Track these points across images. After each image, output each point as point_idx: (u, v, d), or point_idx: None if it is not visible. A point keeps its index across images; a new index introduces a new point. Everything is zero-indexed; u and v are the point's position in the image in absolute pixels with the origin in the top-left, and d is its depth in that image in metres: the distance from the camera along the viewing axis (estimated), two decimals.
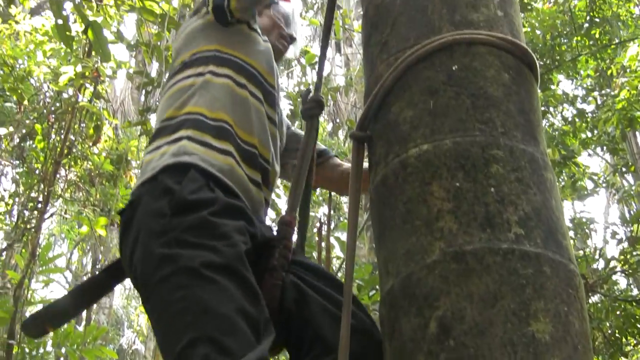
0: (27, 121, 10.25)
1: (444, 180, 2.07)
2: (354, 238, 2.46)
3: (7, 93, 9.88)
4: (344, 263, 2.43)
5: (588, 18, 10.83)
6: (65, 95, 8.78)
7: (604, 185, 12.84)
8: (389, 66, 2.39)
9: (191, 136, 2.57)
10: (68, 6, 5.38)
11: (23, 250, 9.72)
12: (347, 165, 3.22)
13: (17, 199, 11.12)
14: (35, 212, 9.07)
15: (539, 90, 2.50)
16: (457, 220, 2.00)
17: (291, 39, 3.29)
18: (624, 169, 11.79)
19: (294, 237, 2.68)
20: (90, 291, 2.73)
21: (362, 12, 2.85)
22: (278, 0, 3.36)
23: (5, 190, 11.96)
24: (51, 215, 11.82)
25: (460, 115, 2.16)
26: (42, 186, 8.75)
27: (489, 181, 2.05)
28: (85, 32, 4.63)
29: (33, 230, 8.81)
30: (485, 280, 1.90)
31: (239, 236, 2.34)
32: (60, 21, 4.40)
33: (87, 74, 7.44)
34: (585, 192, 11.72)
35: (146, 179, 2.51)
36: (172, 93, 2.75)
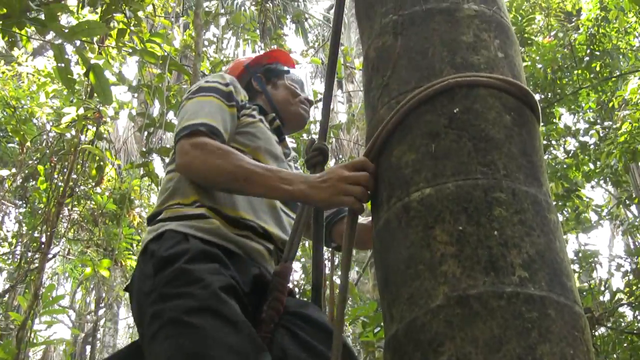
0: (30, 162, 10.27)
1: (446, 224, 2.06)
2: (346, 283, 2.44)
3: (10, 134, 9.92)
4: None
5: (588, 51, 10.87)
6: (67, 136, 8.81)
7: (607, 217, 12.79)
8: (390, 109, 2.38)
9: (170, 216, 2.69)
10: (70, 48, 5.42)
11: (26, 291, 9.70)
12: (363, 221, 3.09)
13: (20, 240, 11.11)
14: (38, 254, 9.04)
15: (541, 124, 2.50)
16: (460, 264, 1.99)
17: (309, 102, 3.36)
18: (627, 201, 11.77)
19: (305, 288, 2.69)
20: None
21: (360, 42, 2.87)
22: (289, 68, 3.42)
23: (8, 231, 11.96)
24: (54, 255, 11.78)
25: (462, 158, 2.16)
26: (45, 227, 8.74)
27: (492, 224, 2.03)
28: (87, 74, 4.65)
29: (36, 271, 8.78)
30: (490, 325, 1.88)
31: (211, 276, 2.38)
32: (62, 64, 4.42)
33: (89, 115, 7.48)
34: (590, 225, 11.68)
35: (139, 254, 2.66)
36: (162, 184, 2.87)
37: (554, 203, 2.33)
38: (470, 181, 2.11)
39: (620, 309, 9.69)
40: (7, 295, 11.08)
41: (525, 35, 11.19)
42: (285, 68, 3.43)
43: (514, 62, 2.49)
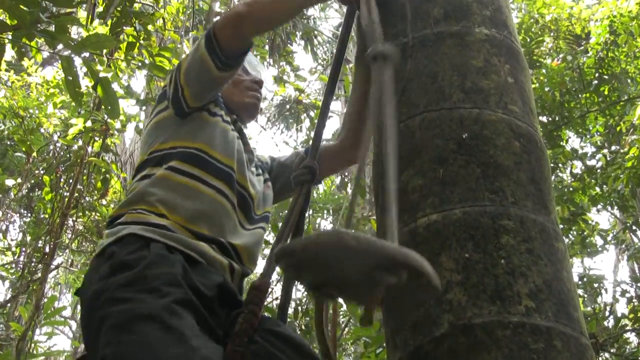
0: (36, 172, 10.28)
1: (453, 251, 2.04)
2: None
3: (17, 144, 9.94)
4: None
5: (597, 75, 10.85)
6: (74, 148, 8.82)
7: (613, 242, 12.75)
8: (398, 133, 2.37)
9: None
10: (78, 61, 5.43)
11: (28, 301, 9.68)
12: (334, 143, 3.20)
13: (23, 249, 11.10)
14: (41, 264, 9.03)
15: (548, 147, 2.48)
16: (466, 292, 1.97)
17: (258, 84, 3.14)
18: (634, 227, 11.73)
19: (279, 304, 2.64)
20: None
21: None
22: None
23: (12, 240, 11.95)
24: (57, 267, 11.77)
25: (470, 184, 2.14)
26: (48, 237, 8.73)
27: (499, 252, 2.01)
28: (95, 88, 4.65)
29: (38, 281, 8.77)
30: (494, 355, 1.86)
31: (168, 287, 2.28)
32: (70, 77, 4.42)
33: (96, 127, 7.48)
34: (595, 249, 11.64)
35: (94, 256, 2.55)
36: (130, 187, 2.77)
37: (560, 226, 2.30)
38: (477, 208, 2.09)
39: (625, 335, 9.64)
40: (8, 305, 11.06)
41: (534, 57, 11.19)
42: None
43: (524, 88, 2.47)
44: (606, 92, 10.82)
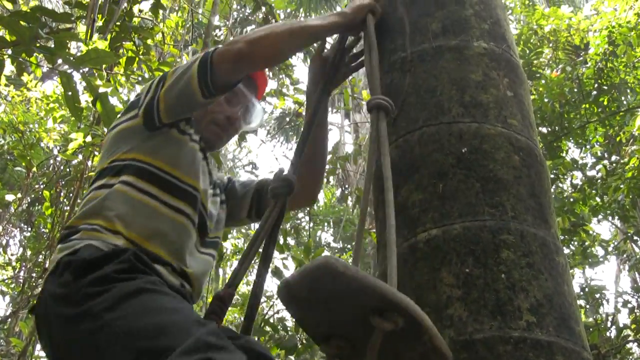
0: (36, 186, 10.28)
1: (453, 266, 2.03)
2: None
3: (17, 158, 9.94)
4: None
5: (596, 85, 10.85)
6: (74, 162, 8.81)
7: (614, 252, 12.73)
8: (397, 148, 2.37)
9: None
10: (78, 75, 5.44)
11: (28, 315, 9.65)
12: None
13: (24, 264, 11.09)
14: (42, 279, 9.01)
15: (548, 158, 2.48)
16: (467, 307, 1.96)
17: (230, 120, 2.98)
18: (635, 237, 11.71)
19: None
20: None
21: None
22: None
23: (12, 255, 11.94)
24: None
25: (469, 199, 2.14)
26: (49, 252, 8.72)
27: (499, 267, 2.01)
28: (94, 103, 4.65)
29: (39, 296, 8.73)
30: None
31: (144, 276, 2.25)
32: (69, 92, 4.41)
33: (96, 141, 7.47)
34: (596, 260, 11.62)
35: (47, 275, 2.42)
36: (85, 201, 2.62)
37: (561, 237, 2.30)
38: (477, 222, 2.09)
39: (627, 346, 9.62)
40: (9, 320, 11.04)
41: (533, 68, 11.20)
42: None
43: (523, 101, 2.47)
44: (605, 103, 10.82)
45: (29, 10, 4.85)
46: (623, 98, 11.64)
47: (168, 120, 2.70)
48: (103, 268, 2.22)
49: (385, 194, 2.06)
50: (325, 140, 3.05)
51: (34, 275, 9.92)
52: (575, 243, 10.96)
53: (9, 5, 7.44)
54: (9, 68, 7.42)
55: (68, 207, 8.75)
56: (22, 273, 11.20)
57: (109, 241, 2.43)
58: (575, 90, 10.74)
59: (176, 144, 2.73)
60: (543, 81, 10.80)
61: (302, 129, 2.92)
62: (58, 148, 10.45)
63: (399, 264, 2.17)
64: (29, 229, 10.97)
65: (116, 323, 2.07)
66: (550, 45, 12.00)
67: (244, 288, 13.77)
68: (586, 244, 11.08)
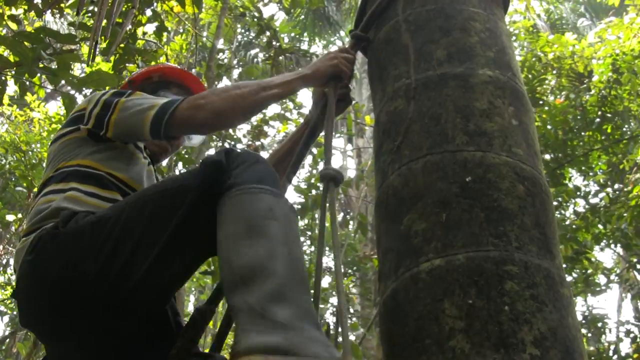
0: None
1: (456, 297, 1.99)
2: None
3: (19, 179, 9.93)
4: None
5: (600, 113, 10.85)
6: None
7: (616, 280, 12.68)
8: (400, 176, 2.34)
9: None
10: (81, 97, 5.43)
11: (27, 335, 9.60)
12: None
13: None
14: None
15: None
16: (469, 339, 1.92)
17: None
18: (638, 265, 11.65)
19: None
20: None
21: (372, 105, 2.84)
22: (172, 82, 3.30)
23: (12, 274, 11.89)
24: None
25: (473, 229, 2.10)
26: None
27: (503, 299, 1.97)
28: None
29: None
30: None
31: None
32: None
33: None
34: (598, 288, 11.57)
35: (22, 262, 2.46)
36: (36, 210, 2.62)
37: (563, 265, 2.26)
38: (481, 253, 2.05)
39: None
40: (7, 341, 10.98)
41: (537, 95, 11.19)
42: (163, 82, 3.27)
43: (528, 130, 2.45)
44: (609, 131, 10.81)
45: (33, 31, 4.86)
46: (627, 126, 11.62)
47: (113, 139, 2.76)
48: (78, 222, 2.36)
49: (334, 262, 2.05)
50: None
51: None
52: (578, 271, 10.91)
53: (14, 26, 7.46)
54: (13, 88, 7.43)
55: None
56: None
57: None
58: (579, 117, 10.74)
59: (126, 156, 2.81)
60: (546, 108, 10.80)
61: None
62: None
63: (400, 294, 2.14)
64: None
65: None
66: (554, 72, 12.00)
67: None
68: (589, 272, 11.03)
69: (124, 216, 2.30)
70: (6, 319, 13.01)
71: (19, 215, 10.17)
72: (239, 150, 2.32)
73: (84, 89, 4.56)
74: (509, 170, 2.25)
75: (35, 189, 9.99)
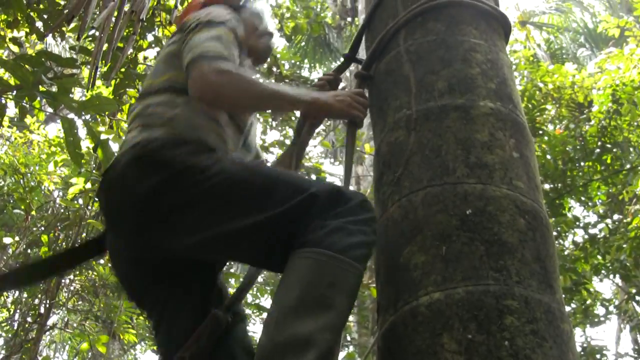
0: (35, 229, 10.23)
1: (455, 331, 1.97)
2: None
3: (17, 201, 9.92)
4: None
5: (600, 143, 10.84)
6: (74, 204, 8.80)
7: (615, 312, 12.60)
8: (400, 208, 2.32)
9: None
10: (80, 123, 5.43)
11: (22, 358, 9.54)
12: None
13: (18, 308, 10.98)
14: (37, 324, 8.92)
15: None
16: None
17: (270, 35, 3.24)
18: (637, 297, 11.59)
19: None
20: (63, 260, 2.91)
21: (373, 135, 2.84)
22: (245, 3, 3.30)
23: (7, 297, 11.83)
24: (51, 327, 11.63)
25: (473, 262, 2.08)
26: (44, 297, 8.65)
27: (502, 334, 1.95)
28: (95, 150, 4.63)
29: (32, 341, 8.65)
30: None
31: None
32: (71, 138, 4.40)
33: (96, 186, 7.44)
34: (597, 319, 11.50)
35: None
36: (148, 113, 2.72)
37: (562, 296, 2.24)
38: (481, 287, 2.03)
39: None
40: None
41: (537, 125, 11.19)
42: (242, 2, 3.29)
43: (529, 162, 2.43)
44: (609, 161, 10.79)
45: (34, 54, 4.86)
46: (626, 157, 11.61)
47: None
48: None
49: None
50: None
51: (28, 319, 9.81)
52: (577, 302, 10.85)
53: (16, 48, 7.48)
54: (13, 110, 7.44)
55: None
56: (16, 316, 11.09)
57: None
58: (579, 147, 10.72)
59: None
60: (546, 138, 10.79)
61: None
62: (58, 192, 10.42)
63: (399, 328, 2.12)
64: None
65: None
66: (554, 102, 12.01)
67: None
68: (587, 302, 10.98)
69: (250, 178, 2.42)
70: (1, 341, 12.96)
71: (16, 238, 10.13)
72: (355, 199, 2.32)
73: (83, 113, 4.56)
74: (509, 203, 2.23)
75: (33, 212, 10.00)
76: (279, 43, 15.31)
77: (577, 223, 10.91)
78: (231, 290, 2.82)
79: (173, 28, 7.58)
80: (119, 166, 2.53)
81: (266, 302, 14.02)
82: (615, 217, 11.28)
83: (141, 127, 2.63)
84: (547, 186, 10.40)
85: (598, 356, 10.38)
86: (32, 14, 6.31)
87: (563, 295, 2.28)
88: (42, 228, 9.99)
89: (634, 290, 11.75)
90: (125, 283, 2.74)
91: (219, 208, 2.36)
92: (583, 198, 10.90)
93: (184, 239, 2.37)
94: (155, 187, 2.41)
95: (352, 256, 2.14)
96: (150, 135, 2.56)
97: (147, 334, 13.30)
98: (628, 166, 11.07)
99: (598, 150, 10.77)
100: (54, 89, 4.69)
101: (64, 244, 9.30)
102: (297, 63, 18.24)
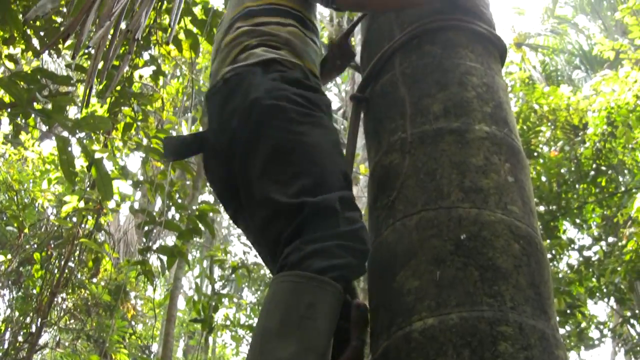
0: (27, 246, 10.19)
1: (449, 358, 1.95)
2: None
3: (9, 218, 9.89)
4: None
5: (594, 166, 10.86)
6: (67, 223, 8.76)
7: (610, 335, 12.57)
8: (394, 232, 2.30)
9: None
10: (74, 141, 5.42)
11: None
12: None
13: (9, 326, 10.91)
14: (28, 343, 8.86)
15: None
16: None
17: None
18: (632, 320, 11.57)
19: None
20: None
21: (367, 157, 2.83)
22: None
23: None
24: (42, 347, 11.55)
25: (467, 288, 2.06)
26: (35, 316, 8.60)
27: None
28: (89, 169, 4.62)
29: None
30: None
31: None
32: (65, 157, 4.38)
33: (90, 205, 7.43)
34: (592, 342, 11.47)
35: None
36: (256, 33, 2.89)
37: (556, 319, 2.22)
38: (475, 313, 2.01)
39: None
40: None
41: (532, 147, 11.21)
42: None
43: (524, 187, 2.42)
44: (603, 184, 10.81)
45: (29, 72, 4.85)
46: (621, 179, 11.64)
47: None
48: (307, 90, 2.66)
49: None
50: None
51: (19, 338, 9.75)
52: (571, 324, 10.82)
53: (11, 65, 7.47)
54: (7, 126, 7.42)
55: (57, 270, 8.65)
56: (7, 335, 11.02)
57: (288, 57, 2.80)
58: (574, 170, 10.74)
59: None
60: (541, 160, 10.81)
61: None
62: (52, 209, 10.40)
63: (392, 354, 2.09)
64: (18, 290, 10.81)
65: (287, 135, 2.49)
66: (549, 124, 12.03)
67: None
68: (582, 325, 10.95)
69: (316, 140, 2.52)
70: None
71: (9, 256, 10.08)
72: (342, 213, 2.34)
73: (77, 131, 4.54)
74: (504, 228, 2.21)
75: (26, 229, 9.96)
76: None
77: (572, 245, 10.91)
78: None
79: (169, 47, 7.58)
80: (253, 78, 2.67)
81: None
82: (610, 239, 11.28)
83: (265, 47, 2.79)
84: (541, 208, 10.41)
85: None
86: (28, 31, 6.31)
87: (557, 318, 2.26)
88: (35, 246, 9.96)
89: (628, 314, 11.74)
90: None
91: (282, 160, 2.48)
92: (578, 220, 10.91)
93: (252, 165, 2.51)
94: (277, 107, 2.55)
95: (332, 276, 2.15)
96: (282, 57, 2.76)
97: (139, 354, 13.22)
98: (623, 189, 11.08)
99: (593, 172, 10.80)
100: (49, 106, 4.68)
101: (56, 262, 9.25)
102: None
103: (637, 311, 11.84)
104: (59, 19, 6.51)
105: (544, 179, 10.35)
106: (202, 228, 6.75)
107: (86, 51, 6.59)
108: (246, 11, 2.99)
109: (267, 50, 2.78)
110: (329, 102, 2.78)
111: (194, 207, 7.07)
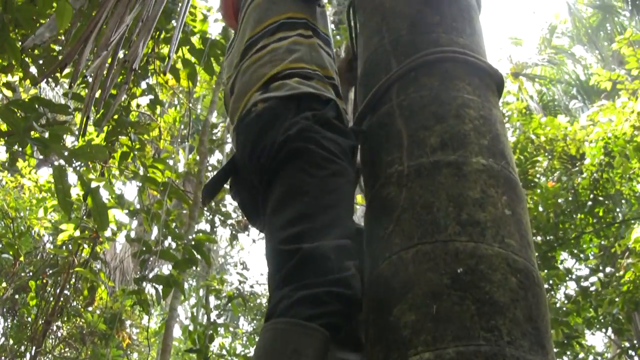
0: (23, 274, 10.16)
1: None
2: None
3: (5, 247, 9.87)
4: None
5: (592, 196, 10.86)
6: (63, 251, 8.74)
7: None
8: (390, 265, 2.29)
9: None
10: (71, 170, 5.42)
11: None
12: None
13: (4, 353, 10.85)
14: None
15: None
16: None
17: None
18: (630, 351, 11.53)
19: None
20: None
21: (364, 189, 2.82)
22: None
23: None
24: None
25: (464, 322, 2.04)
26: (30, 344, 8.54)
27: None
28: (85, 198, 4.61)
29: None
30: None
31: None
32: (61, 186, 4.37)
33: (86, 233, 7.41)
34: None
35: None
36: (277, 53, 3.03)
37: (554, 349, 2.20)
38: (472, 347, 1.99)
39: None
40: None
41: (529, 177, 11.22)
42: None
43: (521, 220, 2.40)
44: (601, 214, 10.81)
45: (27, 100, 4.85)
46: (618, 209, 11.63)
47: None
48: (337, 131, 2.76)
49: None
50: None
51: None
52: (569, 355, 10.77)
53: (9, 93, 7.48)
54: (4, 155, 7.42)
55: (52, 298, 8.61)
56: None
57: (322, 90, 2.91)
58: (571, 200, 10.74)
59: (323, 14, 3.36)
60: (538, 190, 10.81)
61: None
62: (48, 236, 10.37)
63: None
64: (12, 318, 10.76)
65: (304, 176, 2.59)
66: (546, 154, 12.05)
67: None
68: (580, 356, 10.90)
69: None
70: None
71: (4, 284, 10.04)
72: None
73: (74, 161, 4.54)
74: (501, 262, 2.20)
75: (22, 258, 9.92)
76: None
77: (569, 276, 10.88)
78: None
79: (166, 76, 7.60)
80: (286, 117, 2.76)
81: None
82: (608, 270, 11.25)
83: (298, 78, 2.89)
84: (539, 238, 10.39)
85: None
86: (26, 59, 6.33)
87: (555, 349, 2.24)
88: (30, 273, 9.93)
89: (626, 344, 11.68)
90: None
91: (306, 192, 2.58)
92: (575, 251, 10.90)
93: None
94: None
95: (320, 323, 2.21)
96: (316, 91, 2.88)
97: None
98: (620, 219, 11.07)
99: (590, 202, 10.80)
100: (46, 135, 4.68)
101: (52, 290, 9.22)
102: None
103: (635, 342, 11.80)
104: (57, 48, 6.54)
105: (541, 209, 10.35)
106: (199, 257, 6.75)
107: (84, 80, 6.61)
108: (262, 26, 3.15)
109: (300, 82, 2.86)
110: (355, 145, 2.84)
111: (190, 237, 7.06)
